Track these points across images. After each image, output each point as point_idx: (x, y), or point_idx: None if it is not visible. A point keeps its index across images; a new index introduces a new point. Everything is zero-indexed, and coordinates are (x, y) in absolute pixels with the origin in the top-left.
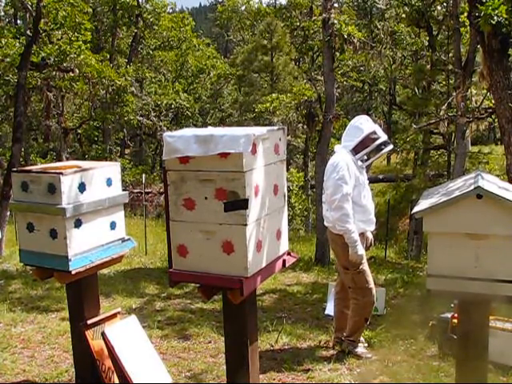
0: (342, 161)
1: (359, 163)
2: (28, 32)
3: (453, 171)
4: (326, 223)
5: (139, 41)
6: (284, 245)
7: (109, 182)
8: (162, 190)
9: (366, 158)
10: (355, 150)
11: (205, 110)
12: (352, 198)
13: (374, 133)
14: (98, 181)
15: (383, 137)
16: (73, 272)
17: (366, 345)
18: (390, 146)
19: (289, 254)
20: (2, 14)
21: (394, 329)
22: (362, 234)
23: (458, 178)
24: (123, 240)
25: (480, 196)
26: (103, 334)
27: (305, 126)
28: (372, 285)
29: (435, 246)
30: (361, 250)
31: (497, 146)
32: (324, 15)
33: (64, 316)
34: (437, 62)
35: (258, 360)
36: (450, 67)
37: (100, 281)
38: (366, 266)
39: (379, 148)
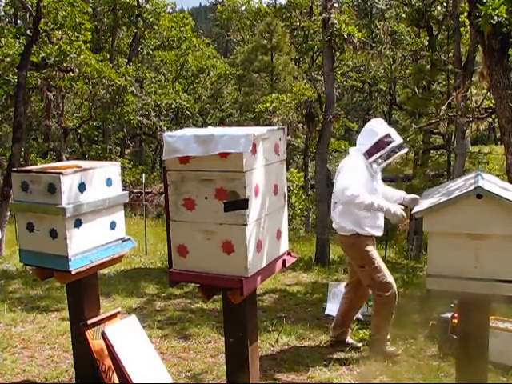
0: (356, 164)
1: (374, 166)
2: (28, 32)
3: (453, 171)
4: (333, 225)
5: (139, 41)
6: (284, 245)
7: (109, 182)
8: (161, 190)
9: (380, 161)
10: (368, 153)
11: (205, 110)
12: None
13: (389, 136)
14: (98, 181)
15: (398, 140)
16: (73, 272)
17: (359, 345)
18: (405, 149)
19: (289, 253)
20: (2, 13)
21: (394, 329)
22: (371, 237)
23: (457, 178)
24: (123, 240)
25: (480, 196)
26: (103, 334)
27: (305, 126)
28: (390, 279)
29: (435, 246)
30: (394, 208)
31: (497, 145)
32: (324, 15)
33: (64, 316)
34: (437, 61)
35: (258, 360)
36: (450, 67)
37: (100, 281)
38: (380, 262)
39: (393, 151)
